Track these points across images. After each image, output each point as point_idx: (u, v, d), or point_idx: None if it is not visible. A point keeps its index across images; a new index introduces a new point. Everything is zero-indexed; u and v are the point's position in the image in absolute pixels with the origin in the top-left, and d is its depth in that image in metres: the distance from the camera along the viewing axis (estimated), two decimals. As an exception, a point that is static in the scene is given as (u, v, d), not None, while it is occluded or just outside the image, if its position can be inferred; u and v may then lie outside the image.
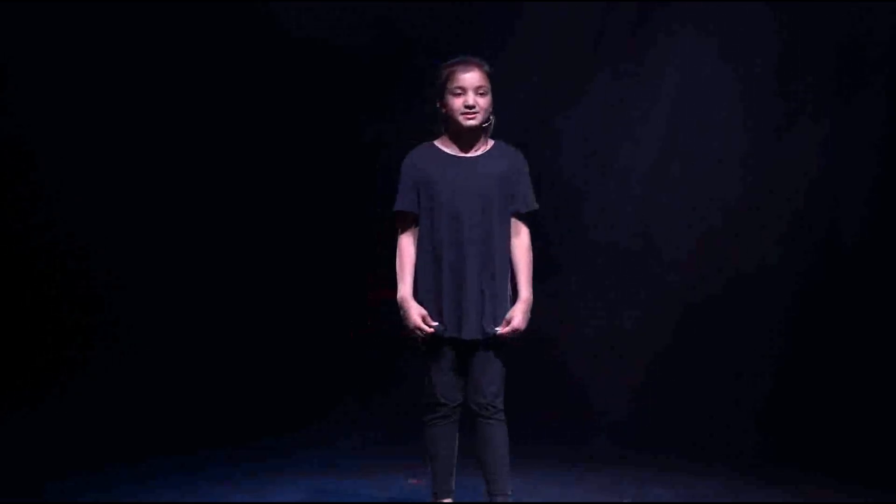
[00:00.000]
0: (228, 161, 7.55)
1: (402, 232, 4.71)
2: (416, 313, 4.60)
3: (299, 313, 7.60)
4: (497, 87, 4.72)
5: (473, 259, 4.60)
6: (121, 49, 7.24)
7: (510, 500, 4.66)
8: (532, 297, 4.65)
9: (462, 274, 4.60)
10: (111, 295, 7.42)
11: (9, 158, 7.15)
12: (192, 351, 7.37)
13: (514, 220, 4.71)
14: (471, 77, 4.62)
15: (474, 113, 4.63)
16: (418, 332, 4.60)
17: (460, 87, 4.61)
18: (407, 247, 4.69)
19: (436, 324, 4.59)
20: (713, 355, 7.07)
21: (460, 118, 4.63)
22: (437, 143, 4.74)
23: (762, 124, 7.14)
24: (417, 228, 4.68)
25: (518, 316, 4.61)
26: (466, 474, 4.86)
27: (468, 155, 4.70)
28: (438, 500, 4.71)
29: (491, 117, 4.69)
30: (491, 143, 4.74)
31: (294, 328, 7.56)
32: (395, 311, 4.65)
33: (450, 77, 4.63)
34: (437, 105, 4.70)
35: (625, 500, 5.55)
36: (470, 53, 4.71)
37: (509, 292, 4.66)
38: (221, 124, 7.50)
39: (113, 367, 7.29)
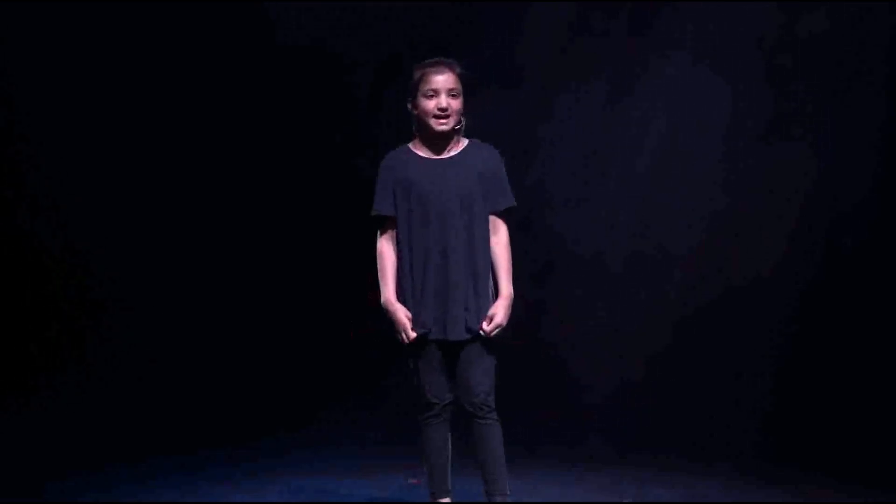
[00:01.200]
0: (230, 161, 7.55)
1: (381, 235, 4.72)
2: (402, 315, 4.62)
3: (299, 313, 7.60)
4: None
5: (457, 259, 4.61)
6: (117, 51, 7.26)
7: (509, 500, 4.67)
8: (513, 292, 4.66)
9: (447, 275, 4.60)
10: (111, 296, 7.42)
11: (6, 160, 7.17)
12: (191, 351, 7.37)
13: (492, 218, 4.71)
14: (444, 79, 4.62)
15: (447, 116, 4.63)
16: (404, 335, 4.62)
17: (433, 90, 4.61)
18: (387, 250, 4.70)
19: (421, 329, 4.61)
20: (713, 355, 7.07)
21: (432, 122, 4.63)
22: (410, 146, 4.74)
23: (761, 124, 7.14)
24: (395, 231, 4.69)
25: (500, 312, 4.62)
26: (466, 474, 4.86)
27: (443, 157, 4.70)
28: (436, 500, 4.72)
29: (462, 119, 4.69)
30: (464, 142, 4.74)
31: (294, 328, 7.56)
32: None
33: (423, 79, 4.63)
34: (409, 106, 4.70)
35: (625, 500, 5.54)
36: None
37: (491, 290, 4.68)
38: (222, 126, 7.50)
39: (113, 367, 7.30)
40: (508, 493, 4.67)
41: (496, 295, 4.67)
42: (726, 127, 7.17)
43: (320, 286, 7.64)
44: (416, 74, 4.65)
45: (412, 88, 4.66)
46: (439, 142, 4.69)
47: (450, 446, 4.72)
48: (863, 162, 6.88)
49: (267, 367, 7.46)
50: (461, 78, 4.65)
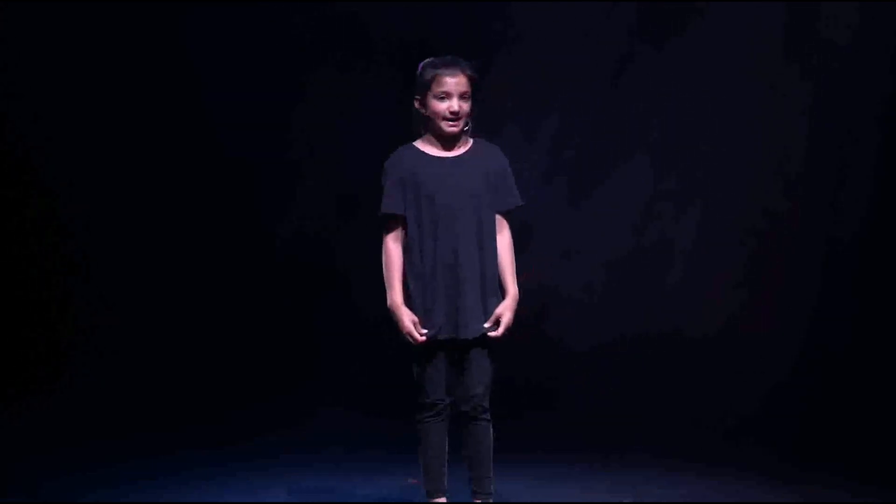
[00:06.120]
0: (228, 159, 7.55)
1: (388, 234, 4.69)
2: (408, 320, 4.60)
3: (298, 313, 7.60)
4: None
5: (467, 258, 4.61)
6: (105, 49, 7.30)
7: (492, 501, 4.69)
8: (518, 292, 4.66)
9: (457, 274, 4.60)
10: (109, 295, 7.42)
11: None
12: (190, 351, 7.37)
13: (497, 217, 4.71)
14: (457, 83, 4.60)
15: (458, 120, 4.62)
16: (410, 339, 4.61)
17: (445, 92, 4.60)
18: (395, 250, 4.67)
19: (425, 331, 4.60)
20: (714, 355, 7.06)
21: (443, 124, 4.63)
22: (417, 144, 4.73)
23: (762, 125, 7.14)
24: (403, 231, 4.67)
25: (507, 313, 4.64)
26: (464, 474, 4.85)
27: (452, 154, 4.69)
28: (432, 500, 4.72)
29: (469, 120, 4.68)
30: (470, 141, 4.74)
31: (293, 327, 7.56)
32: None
33: (435, 80, 4.60)
34: (416, 105, 4.68)
35: (625, 500, 5.54)
36: (459, 54, 4.72)
37: (498, 289, 4.67)
38: (218, 125, 7.51)
39: (111, 366, 7.30)
40: (493, 492, 4.70)
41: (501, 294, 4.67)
42: (726, 128, 7.18)
43: (321, 285, 7.64)
44: (428, 74, 4.62)
45: (421, 87, 4.63)
46: (449, 141, 4.68)
47: (447, 446, 4.73)
48: (863, 162, 6.89)
49: (266, 366, 7.46)
50: (472, 81, 4.63)
